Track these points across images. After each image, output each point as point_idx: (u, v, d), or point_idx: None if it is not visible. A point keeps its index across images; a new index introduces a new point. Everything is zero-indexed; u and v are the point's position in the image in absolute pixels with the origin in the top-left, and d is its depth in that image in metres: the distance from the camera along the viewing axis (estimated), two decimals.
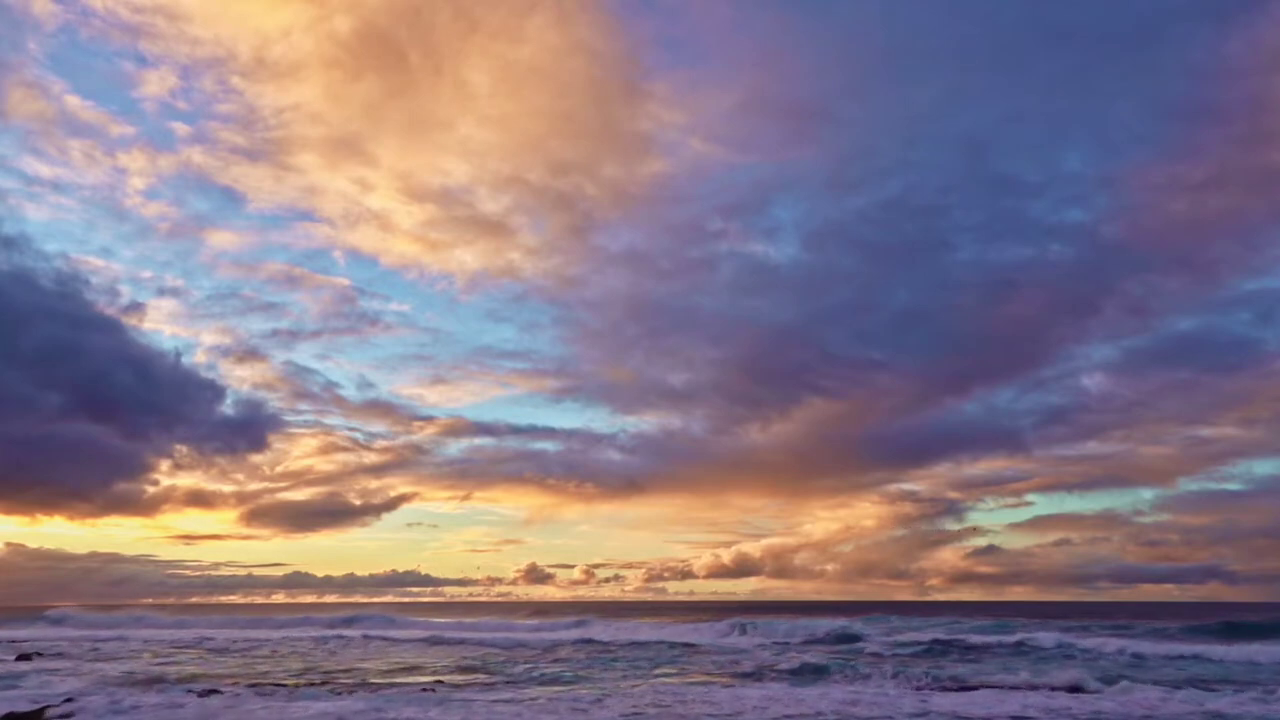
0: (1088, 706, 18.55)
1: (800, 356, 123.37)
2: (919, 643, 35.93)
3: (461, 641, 41.82)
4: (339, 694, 21.18)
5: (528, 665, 29.25)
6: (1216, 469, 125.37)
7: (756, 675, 25.51)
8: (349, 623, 59.98)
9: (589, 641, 39.67)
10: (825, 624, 46.89)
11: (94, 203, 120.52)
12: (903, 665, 26.91)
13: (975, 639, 36.42)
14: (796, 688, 22.10)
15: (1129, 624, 50.03)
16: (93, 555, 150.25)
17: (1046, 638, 35.06)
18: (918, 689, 21.77)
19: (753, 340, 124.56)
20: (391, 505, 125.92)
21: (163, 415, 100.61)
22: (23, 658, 31.88)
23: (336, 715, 17.64)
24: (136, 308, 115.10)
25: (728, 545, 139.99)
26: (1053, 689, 21.45)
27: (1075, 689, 21.47)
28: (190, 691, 21.50)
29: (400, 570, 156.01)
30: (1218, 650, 31.23)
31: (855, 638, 40.63)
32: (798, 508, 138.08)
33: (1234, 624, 40.35)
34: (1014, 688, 21.93)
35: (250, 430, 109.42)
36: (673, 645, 37.18)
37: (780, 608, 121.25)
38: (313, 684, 23.57)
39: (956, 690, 21.46)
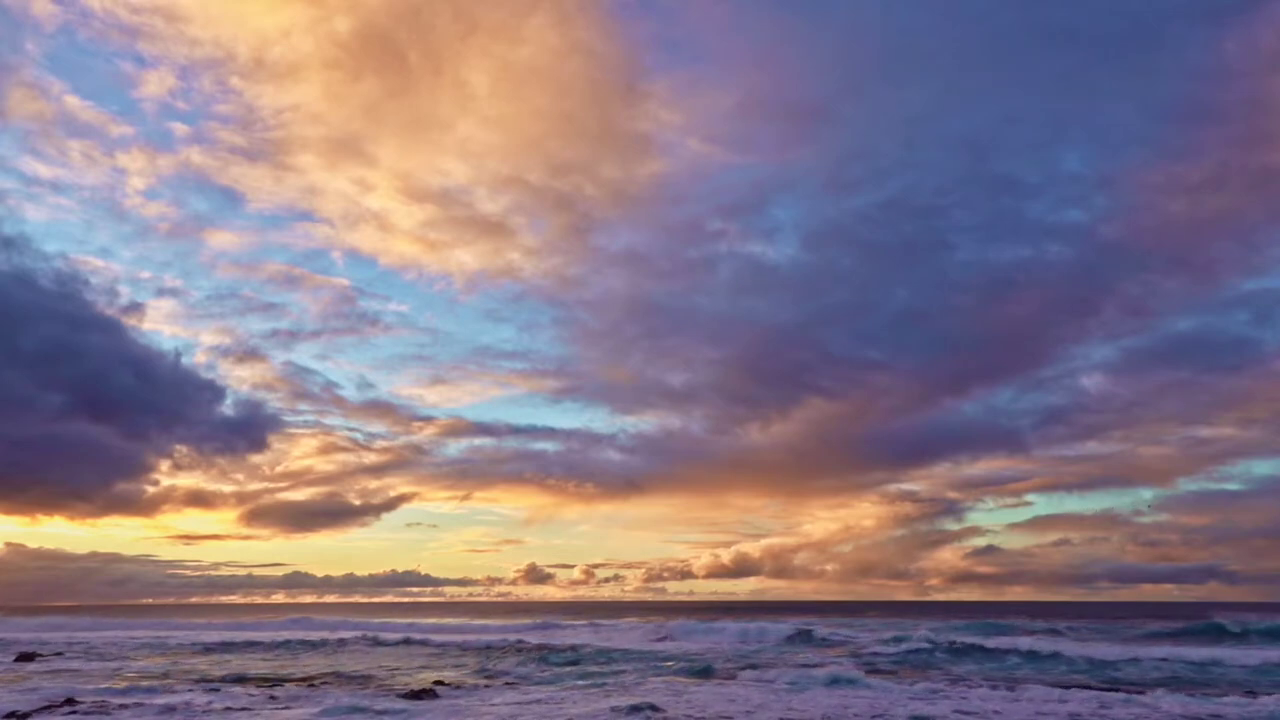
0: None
1: (800, 356, 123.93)
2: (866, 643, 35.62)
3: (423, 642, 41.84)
4: (342, 694, 21.34)
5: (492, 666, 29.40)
6: (1215, 469, 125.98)
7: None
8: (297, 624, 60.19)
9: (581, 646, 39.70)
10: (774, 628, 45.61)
11: (94, 203, 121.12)
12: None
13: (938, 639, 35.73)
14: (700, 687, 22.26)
15: (1110, 626, 50.09)
16: (93, 555, 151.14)
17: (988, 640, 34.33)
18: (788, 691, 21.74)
19: (752, 340, 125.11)
20: (391, 505, 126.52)
21: (163, 415, 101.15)
22: (23, 658, 31.98)
23: (342, 713, 17.83)
24: (136, 308, 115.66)
25: (727, 545, 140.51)
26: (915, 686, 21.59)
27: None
28: (191, 691, 21.66)
29: (400, 570, 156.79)
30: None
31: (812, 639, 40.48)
32: (797, 508, 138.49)
33: (1222, 625, 40.53)
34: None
35: (250, 430, 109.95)
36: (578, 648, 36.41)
37: (780, 608, 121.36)
38: (313, 684, 23.73)
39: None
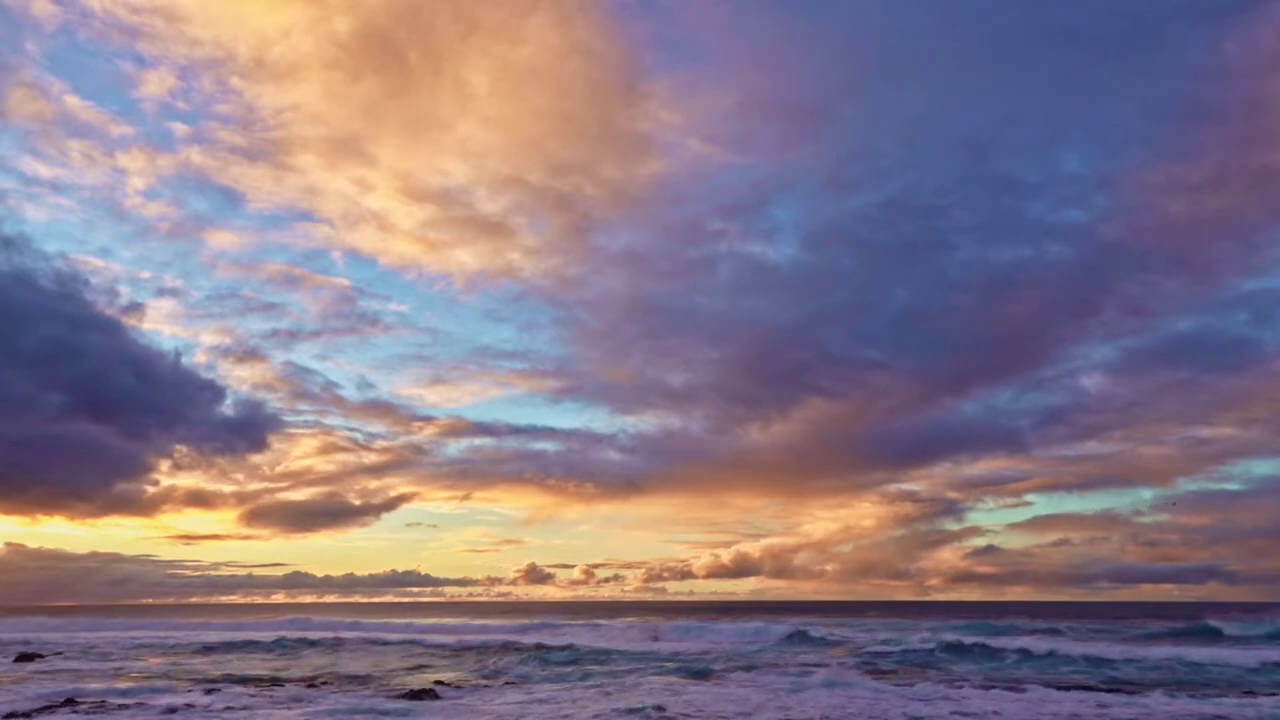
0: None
1: (800, 356, 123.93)
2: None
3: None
4: (342, 695, 21.37)
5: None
6: (1216, 469, 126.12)
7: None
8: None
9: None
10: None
11: (94, 203, 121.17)
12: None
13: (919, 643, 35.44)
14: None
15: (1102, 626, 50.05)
16: (93, 555, 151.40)
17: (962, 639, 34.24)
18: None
19: (752, 340, 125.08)
20: (391, 505, 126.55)
21: (163, 415, 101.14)
22: (23, 658, 32.00)
23: (342, 713, 17.85)
24: (136, 308, 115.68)
25: (727, 545, 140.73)
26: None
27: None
28: (191, 691, 21.68)
29: (400, 570, 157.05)
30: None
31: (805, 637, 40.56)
32: (797, 508, 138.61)
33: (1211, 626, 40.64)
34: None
35: (250, 430, 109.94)
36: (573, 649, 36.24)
37: (780, 608, 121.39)
38: (313, 684, 23.75)
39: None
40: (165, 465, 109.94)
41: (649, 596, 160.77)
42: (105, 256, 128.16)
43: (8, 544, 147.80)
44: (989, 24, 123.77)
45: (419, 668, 29.38)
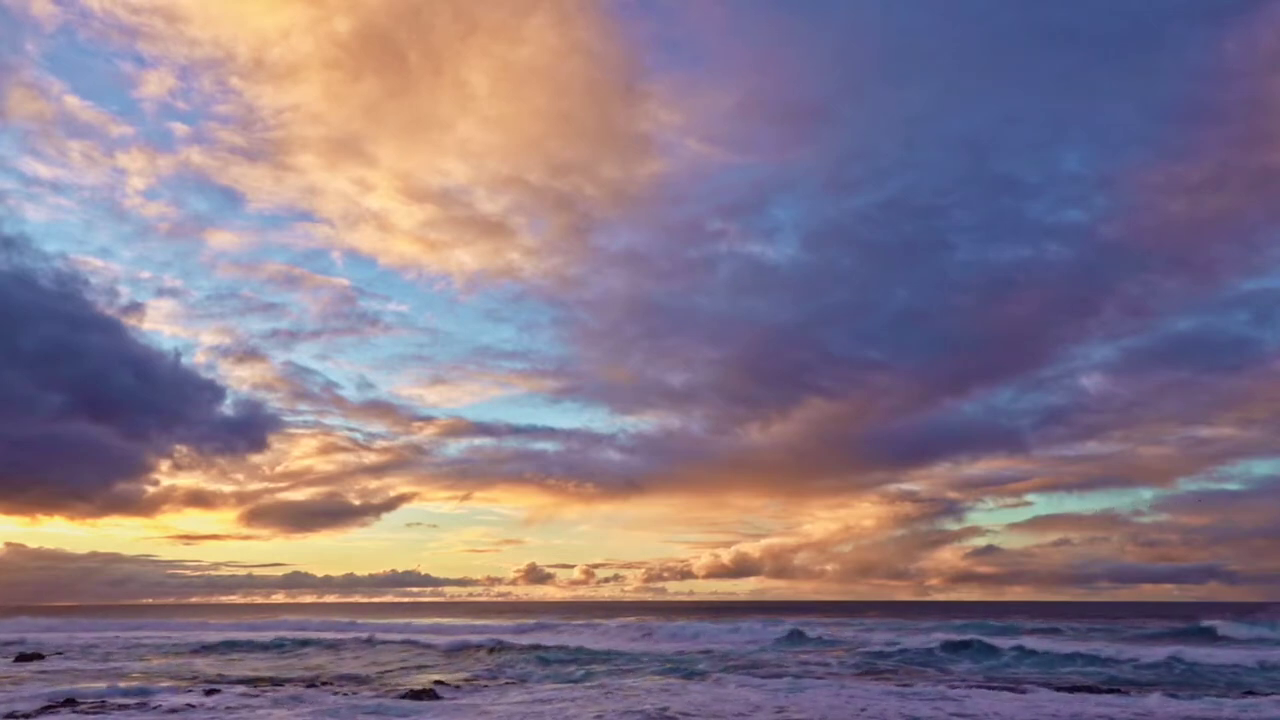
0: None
1: (800, 356, 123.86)
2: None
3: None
4: (342, 695, 21.37)
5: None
6: (1215, 469, 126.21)
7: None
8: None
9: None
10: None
11: (93, 203, 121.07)
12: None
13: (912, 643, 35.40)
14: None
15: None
16: (93, 555, 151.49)
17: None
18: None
19: (752, 340, 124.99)
20: (391, 505, 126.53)
21: (163, 415, 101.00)
22: (23, 658, 31.99)
23: (343, 713, 17.85)
24: (136, 308, 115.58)
25: (727, 545, 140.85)
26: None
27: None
28: (191, 690, 21.68)
29: (400, 570, 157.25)
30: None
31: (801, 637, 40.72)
32: (797, 508, 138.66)
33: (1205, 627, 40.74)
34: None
35: (250, 430, 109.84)
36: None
37: (779, 608, 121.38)
38: (313, 684, 23.76)
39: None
40: (165, 465, 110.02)
41: (649, 596, 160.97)
42: (105, 256, 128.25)
43: (8, 544, 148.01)
44: (989, 24, 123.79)
45: (419, 668, 29.38)
